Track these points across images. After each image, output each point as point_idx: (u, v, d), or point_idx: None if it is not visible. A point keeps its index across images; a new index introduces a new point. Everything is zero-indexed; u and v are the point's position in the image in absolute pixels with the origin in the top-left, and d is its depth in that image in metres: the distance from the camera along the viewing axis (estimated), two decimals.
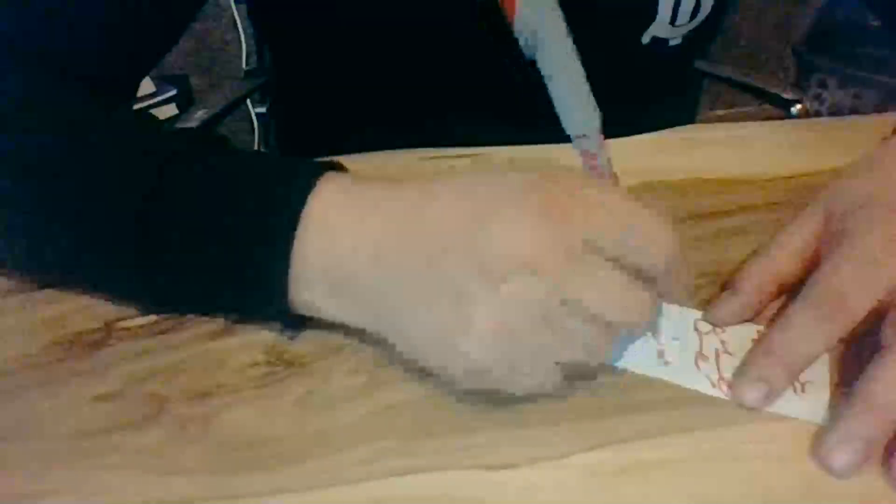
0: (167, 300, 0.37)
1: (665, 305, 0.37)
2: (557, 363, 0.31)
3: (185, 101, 1.62)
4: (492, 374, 0.31)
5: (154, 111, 1.58)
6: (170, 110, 1.60)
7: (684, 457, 0.31)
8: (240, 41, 1.04)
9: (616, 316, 0.30)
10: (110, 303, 0.38)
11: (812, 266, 0.36)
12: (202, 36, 1.66)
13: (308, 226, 0.33)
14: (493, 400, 0.33)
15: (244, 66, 1.05)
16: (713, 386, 0.34)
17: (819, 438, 0.31)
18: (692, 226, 0.44)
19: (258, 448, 0.32)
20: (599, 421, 0.32)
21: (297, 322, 0.36)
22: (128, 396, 0.34)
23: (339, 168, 0.36)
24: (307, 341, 0.36)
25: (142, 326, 0.37)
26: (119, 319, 0.38)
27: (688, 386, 0.34)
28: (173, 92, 1.61)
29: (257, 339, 0.37)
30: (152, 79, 1.57)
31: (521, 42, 0.34)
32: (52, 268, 0.39)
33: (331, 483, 0.30)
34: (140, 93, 1.69)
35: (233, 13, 1.02)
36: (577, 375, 0.32)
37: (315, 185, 0.33)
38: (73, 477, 0.30)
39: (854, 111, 1.67)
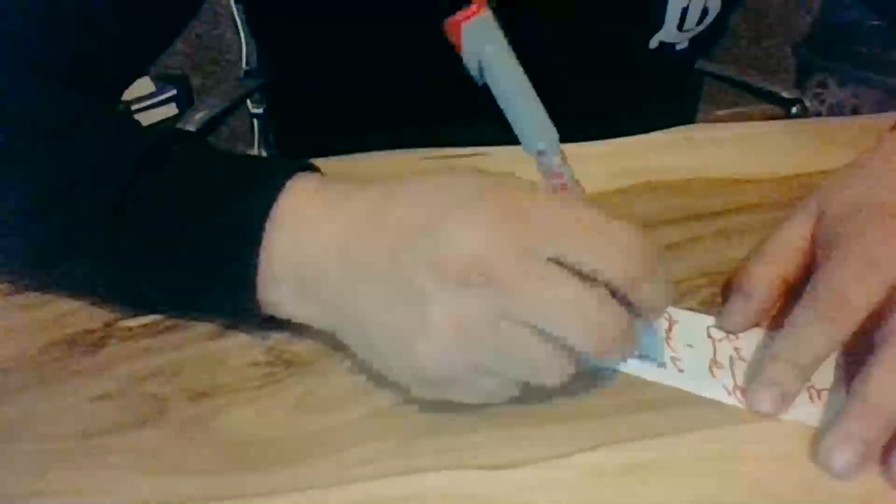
0: (142, 298, 0.37)
1: (677, 311, 0.37)
2: (507, 380, 0.31)
3: (185, 101, 1.62)
4: (444, 382, 0.30)
5: (154, 111, 1.58)
6: (170, 110, 1.60)
7: (684, 457, 0.31)
8: (240, 41, 1.04)
9: (576, 337, 0.29)
10: (94, 301, 0.38)
11: (808, 265, 0.36)
12: (202, 36, 1.66)
13: (276, 224, 0.33)
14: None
15: (244, 66, 1.04)
16: (729, 394, 0.33)
17: (819, 439, 0.31)
18: (692, 226, 0.44)
19: (258, 448, 0.32)
20: (599, 421, 0.32)
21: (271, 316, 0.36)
22: (128, 396, 0.34)
23: (312, 169, 0.36)
24: (307, 341, 0.36)
25: (142, 326, 0.37)
26: (119, 319, 0.38)
27: (703, 394, 0.33)
28: (173, 92, 1.61)
29: (257, 339, 0.37)
30: (152, 79, 1.57)
31: (471, 70, 0.35)
32: (31, 266, 0.39)
33: (331, 483, 0.30)
34: (140, 93, 1.69)
35: (233, 13, 1.02)
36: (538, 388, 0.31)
37: (285, 184, 0.34)
38: (73, 477, 0.30)
39: (854, 111, 1.66)
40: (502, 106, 0.35)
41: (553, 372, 0.30)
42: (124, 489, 0.30)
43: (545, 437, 0.32)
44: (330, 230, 0.33)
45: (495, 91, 0.35)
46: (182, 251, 0.34)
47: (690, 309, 0.38)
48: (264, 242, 0.33)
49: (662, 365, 0.35)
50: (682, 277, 0.40)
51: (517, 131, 0.35)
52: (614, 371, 0.35)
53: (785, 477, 0.30)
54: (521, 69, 0.34)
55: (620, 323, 0.29)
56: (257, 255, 0.33)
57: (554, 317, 0.29)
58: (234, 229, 0.33)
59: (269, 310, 0.35)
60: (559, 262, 0.29)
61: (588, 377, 0.34)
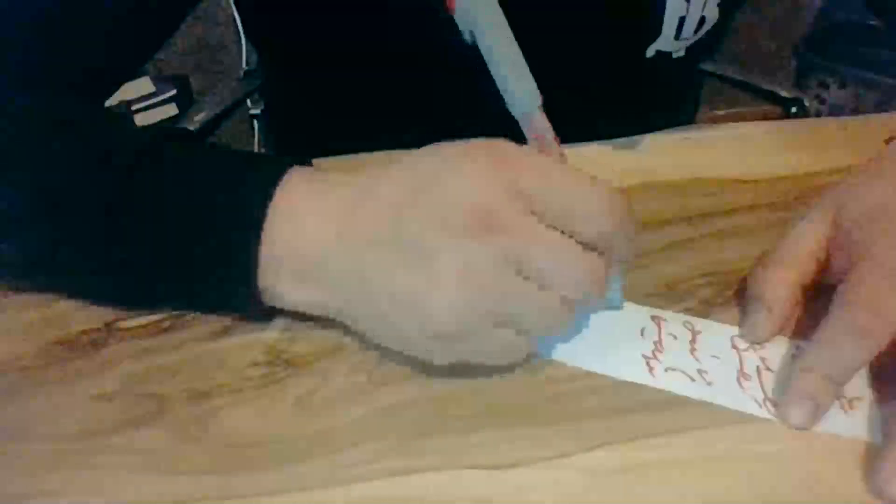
0: (138, 293, 0.37)
1: (699, 321, 0.37)
2: (521, 332, 0.32)
3: (185, 101, 1.62)
4: (460, 336, 0.31)
5: (154, 111, 1.58)
6: (170, 110, 1.60)
7: (684, 457, 0.31)
8: (240, 41, 1.04)
9: (569, 288, 0.31)
10: (94, 301, 0.38)
11: (823, 270, 0.36)
12: (202, 36, 1.66)
13: (275, 214, 0.33)
14: (489, 395, 0.33)
15: (244, 66, 1.04)
16: (760, 407, 0.33)
17: (874, 467, 0.30)
18: (692, 226, 0.44)
19: (258, 448, 0.32)
20: (599, 421, 0.32)
21: (268, 311, 0.36)
22: (128, 396, 0.34)
23: (305, 164, 0.37)
24: (307, 341, 0.36)
25: (142, 326, 0.37)
26: (119, 319, 0.38)
27: (734, 407, 0.33)
28: (173, 92, 1.61)
29: (257, 339, 0.37)
30: (152, 79, 1.57)
31: (463, 32, 0.35)
32: (29, 268, 0.39)
33: (331, 483, 0.30)
34: (140, 93, 1.69)
35: (233, 13, 1.02)
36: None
37: (281, 176, 0.34)
38: (73, 477, 0.30)
39: (854, 111, 1.66)
40: (491, 67, 0.35)
41: (555, 319, 0.32)
42: (124, 489, 0.30)
43: (545, 437, 0.32)
44: (325, 214, 0.34)
45: (485, 52, 0.35)
46: (182, 244, 0.34)
47: (690, 309, 0.38)
48: (263, 232, 0.33)
49: (620, 308, 0.37)
50: (682, 277, 0.40)
51: (503, 93, 0.35)
52: (636, 378, 0.34)
53: (785, 477, 0.30)
54: (510, 32, 0.35)
55: (602, 272, 0.32)
56: (257, 241, 0.33)
57: (553, 269, 0.31)
58: (234, 217, 0.34)
59: (270, 298, 0.35)
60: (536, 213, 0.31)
61: (587, 377, 0.34)
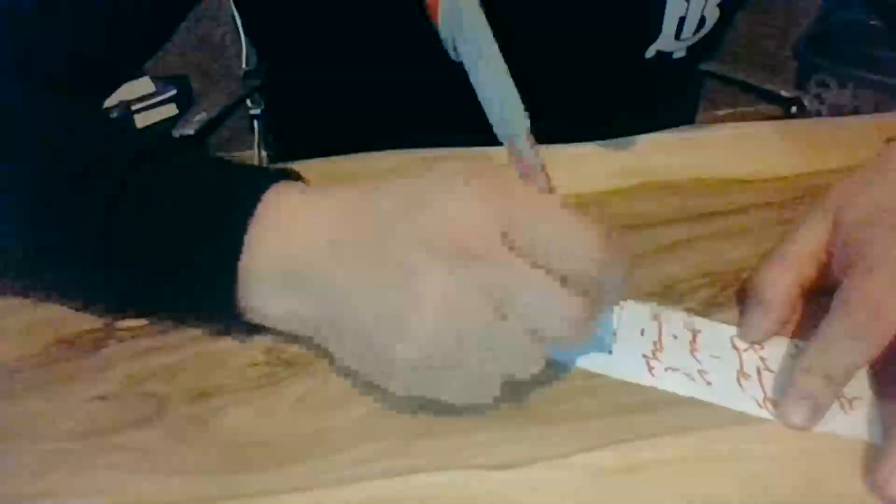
0: (125, 300, 0.37)
1: (702, 321, 0.37)
2: (493, 367, 0.31)
3: (186, 101, 1.62)
4: (433, 366, 0.30)
5: (154, 111, 1.58)
6: (170, 110, 1.60)
7: (684, 457, 0.31)
8: (240, 41, 1.05)
9: (549, 327, 0.30)
10: (86, 306, 0.38)
11: (823, 270, 0.36)
12: (202, 36, 1.66)
13: (262, 221, 0.33)
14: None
15: (244, 66, 1.05)
16: (760, 407, 0.33)
17: (874, 467, 0.30)
18: (692, 226, 0.44)
19: (258, 448, 0.32)
20: (599, 421, 0.32)
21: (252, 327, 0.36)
22: (128, 396, 0.34)
23: (295, 176, 0.37)
24: (307, 341, 0.36)
25: (142, 326, 0.37)
26: (119, 319, 0.38)
27: (733, 407, 0.33)
28: (173, 92, 1.61)
29: (257, 339, 0.36)
30: (152, 79, 1.57)
31: (448, 46, 0.35)
32: (15, 270, 0.39)
33: (331, 483, 0.30)
34: (140, 93, 1.69)
35: (233, 13, 1.02)
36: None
37: (270, 185, 0.34)
38: (73, 477, 0.30)
39: (854, 111, 1.67)
40: (475, 86, 0.34)
41: (529, 361, 0.31)
42: (124, 489, 0.30)
43: (545, 437, 0.32)
44: (318, 223, 0.33)
45: (469, 70, 0.34)
46: (169, 249, 0.34)
47: (690, 309, 0.38)
48: (247, 239, 0.33)
49: (610, 352, 0.35)
50: (682, 277, 0.40)
51: (488, 113, 0.35)
52: (633, 377, 0.34)
53: (785, 477, 0.30)
54: (497, 50, 0.34)
55: (586, 314, 0.30)
56: (240, 251, 0.33)
57: (534, 307, 0.30)
58: (218, 228, 0.34)
59: (252, 313, 0.34)
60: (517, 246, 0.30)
61: (587, 377, 0.34)
